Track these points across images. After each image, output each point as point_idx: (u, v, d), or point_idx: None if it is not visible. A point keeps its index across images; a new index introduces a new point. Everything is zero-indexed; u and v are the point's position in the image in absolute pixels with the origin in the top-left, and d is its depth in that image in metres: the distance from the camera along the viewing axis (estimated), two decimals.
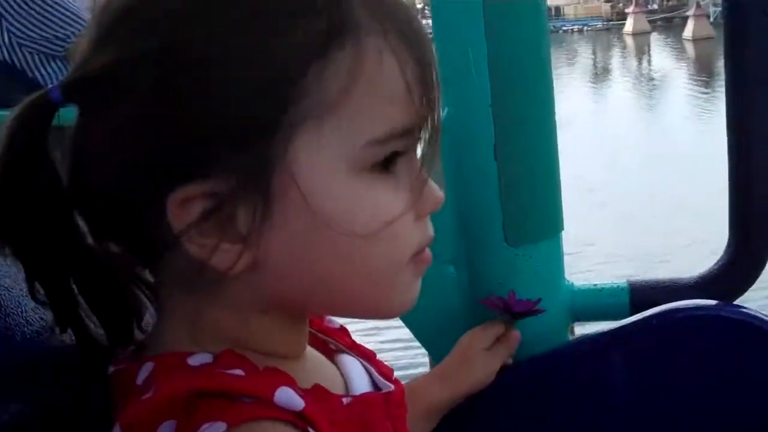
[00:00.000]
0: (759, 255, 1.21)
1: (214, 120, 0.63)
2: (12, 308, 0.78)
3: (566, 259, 1.25)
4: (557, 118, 1.20)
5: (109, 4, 0.68)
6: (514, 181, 1.18)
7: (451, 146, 1.19)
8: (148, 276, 0.76)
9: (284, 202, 0.65)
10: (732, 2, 1.16)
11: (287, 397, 0.65)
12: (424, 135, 0.70)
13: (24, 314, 0.77)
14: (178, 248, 0.66)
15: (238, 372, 0.66)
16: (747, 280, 1.22)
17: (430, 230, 0.74)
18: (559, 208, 1.22)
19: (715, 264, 1.24)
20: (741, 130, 1.18)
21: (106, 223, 0.70)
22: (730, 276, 1.22)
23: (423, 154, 0.71)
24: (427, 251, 0.74)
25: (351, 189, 0.67)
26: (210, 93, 0.63)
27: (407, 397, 0.95)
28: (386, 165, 0.68)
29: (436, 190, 0.73)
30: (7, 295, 0.79)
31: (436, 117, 0.71)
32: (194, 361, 0.68)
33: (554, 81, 1.20)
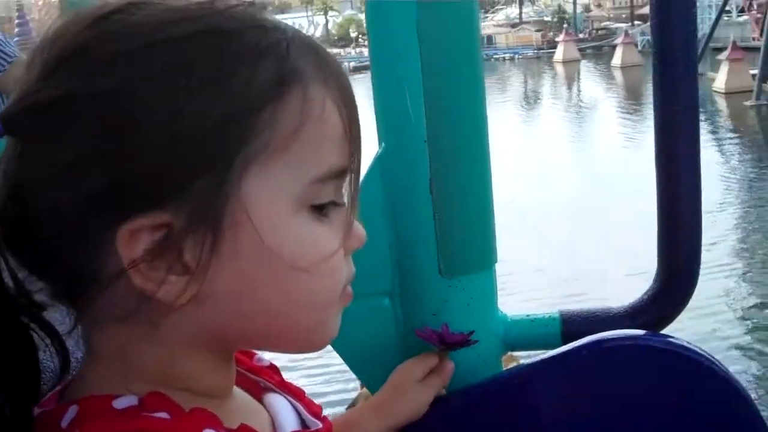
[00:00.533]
0: (687, 284, 1.24)
1: (167, 155, 0.64)
2: None
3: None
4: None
5: (57, 41, 0.68)
6: (448, 214, 1.19)
7: (387, 180, 1.20)
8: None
9: (234, 235, 0.67)
10: (660, 31, 1.18)
11: None
12: (350, 177, 0.75)
13: None
14: (116, 281, 0.66)
15: (164, 415, 0.66)
16: (675, 309, 1.25)
17: (353, 267, 0.78)
18: (493, 241, 1.23)
19: (645, 293, 1.26)
20: (668, 162, 1.21)
21: (36, 257, 0.69)
22: (659, 305, 1.24)
23: (349, 196, 0.75)
24: (349, 288, 0.78)
25: (297, 225, 0.70)
26: (163, 131, 0.64)
27: (342, 429, 0.96)
28: (321, 209, 0.71)
29: (360, 229, 0.77)
30: None
31: (359, 163, 0.76)
32: (119, 404, 0.67)
33: (487, 107, 1.22)
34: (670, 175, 1.21)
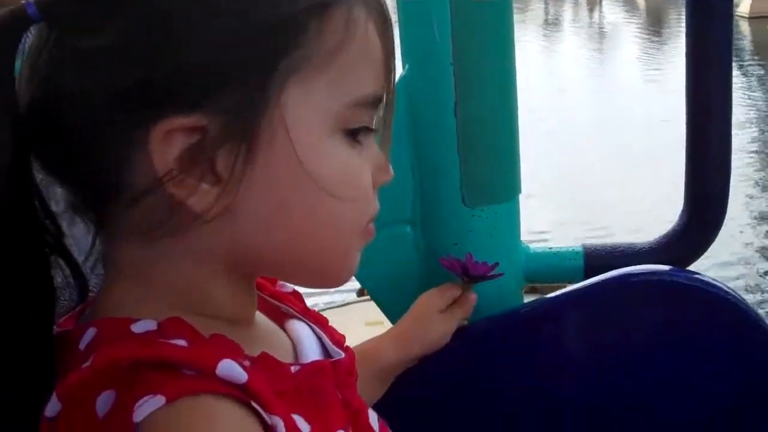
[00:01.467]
0: (714, 220, 1.22)
1: (209, 53, 0.62)
2: None
3: None
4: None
5: None
6: (473, 141, 1.17)
7: (411, 105, 1.17)
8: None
9: (269, 147, 0.65)
10: None
11: (230, 369, 0.63)
12: (383, 109, 0.72)
13: None
14: (141, 191, 0.64)
15: (181, 342, 0.64)
16: (702, 245, 1.23)
17: (377, 203, 0.75)
18: (517, 171, 1.21)
19: (671, 229, 1.24)
20: (699, 96, 1.18)
21: (61, 159, 0.67)
22: (685, 241, 1.23)
23: (381, 129, 0.73)
24: (372, 225, 0.75)
25: (331, 146, 0.68)
26: (208, 26, 0.62)
27: (360, 358, 0.95)
28: (354, 135, 0.69)
29: (389, 166, 0.75)
30: None
31: (393, 96, 0.73)
32: (138, 328, 0.65)
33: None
34: (699, 108, 1.18)
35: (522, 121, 1.20)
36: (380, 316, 1.27)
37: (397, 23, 1.16)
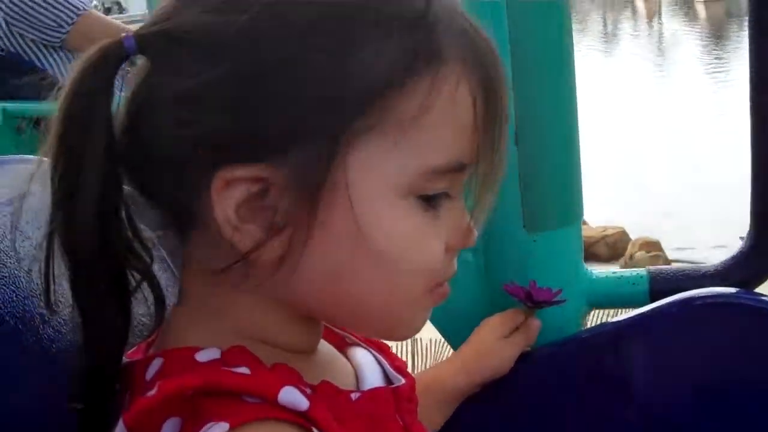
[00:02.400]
0: None
1: (285, 111, 0.63)
2: (33, 290, 0.78)
3: None
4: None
5: None
6: (534, 167, 1.16)
7: None
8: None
9: (331, 205, 0.65)
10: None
11: (291, 396, 0.65)
12: (482, 174, 0.71)
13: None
14: (211, 229, 0.66)
15: (244, 370, 0.66)
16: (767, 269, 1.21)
17: (455, 265, 0.75)
18: (580, 195, 1.21)
19: (736, 251, 1.22)
20: (763, 116, 1.16)
21: (151, 186, 0.70)
22: (750, 264, 1.21)
23: (478, 195, 0.72)
24: (446, 285, 0.75)
25: (398, 213, 0.67)
26: (288, 85, 0.63)
27: (423, 386, 0.96)
28: (430, 200, 0.68)
29: (473, 230, 0.74)
30: (26, 278, 0.78)
31: (498, 161, 0.71)
32: (202, 357, 0.67)
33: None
34: (764, 126, 1.16)
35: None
36: None
37: None
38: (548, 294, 1.14)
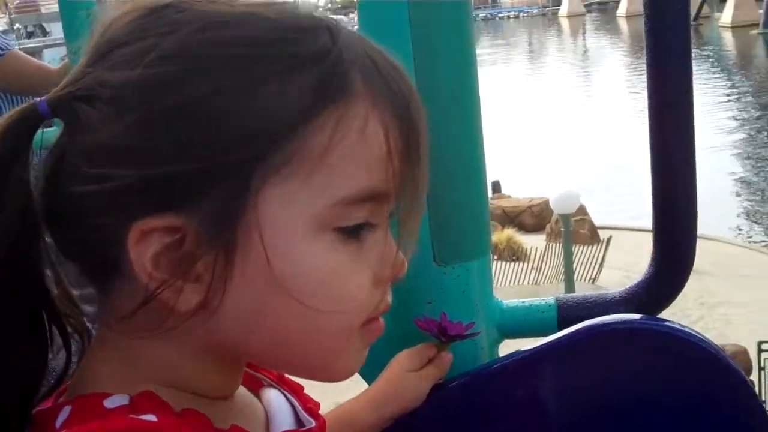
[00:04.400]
0: (683, 269, 1.23)
1: (192, 156, 0.64)
2: None
3: None
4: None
5: (106, 32, 0.69)
6: (442, 202, 1.18)
7: None
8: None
9: (246, 251, 0.66)
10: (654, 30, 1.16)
11: None
12: (404, 205, 0.71)
13: None
14: (128, 279, 0.67)
15: (150, 417, 0.66)
16: (672, 293, 1.24)
17: (389, 299, 0.75)
18: (487, 228, 1.23)
19: (641, 278, 1.26)
20: (663, 146, 1.19)
21: (72, 240, 0.70)
22: (653, 290, 1.24)
23: (401, 226, 0.72)
24: (380, 320, 0.75)
25: (314, 247, 0.67)
26: (192, 130, 0.64)
27: (335, 421, 0.97)
28: (351, 232, 0.69)
29: (401, 259, 0.74)
30: None
31: (418, 189, 0.72)
32: (110, 403, 0.68)
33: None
34: (664, 161, 1.20)
35: None
36: None
37: None
38: (460, 328, 1.15)
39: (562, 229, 14.08)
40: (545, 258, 17.19)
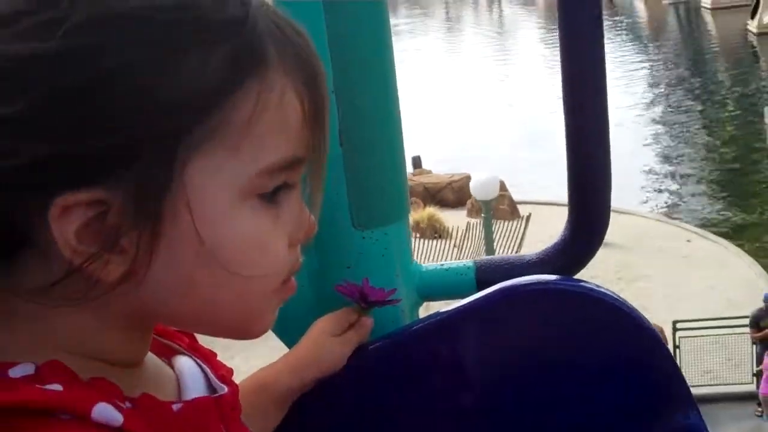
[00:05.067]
0: (597, 231, 1.26)
1: (110, 130, 0.62)
2: None
3: None
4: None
5: None
6: (359, 167, 1.19)
7: None
8: None
9: (173, 223, 0.66)
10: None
11: (105, 412, 0.65)
12: (310, 168, 0.73)
13: None
14: (45, 248, 0.65)
15: (56, 387, 0.65)
16: (587, 255, 1.27)
17: (300, 259, 0.77)
18: (405, 192, 1.24)
19: (557, 240, 1.28)
20: (577, 114, 1.21)
21: None
22: (569, 252, 1.26)
23: (309, 187, 0.75)
24: (293, 280, 0.77)
25: (240, 219, 0.68)
26: (109, 103, 0.62)
27: (255, 386, 0.97)
28: (270, 196, 0.70)
29: (312, 220, 0.76)
30: None
31: (324, 152, 0.74)
32: (15, 372, 0.66)
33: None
34: (578, 125, 1.22)
35: None
36: None
37: None
38: (382, 294, 1.16)
39: (483, 216, 14.43)
40: (467, 235, 17.45)
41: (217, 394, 0.80)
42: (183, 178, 0.65)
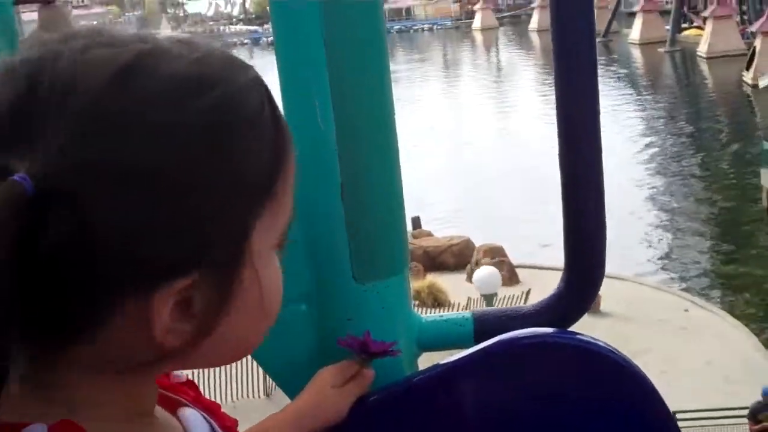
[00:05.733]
0: (592, 284, 1.28)
1: (199, 226, 0.67)
2: None
3: None
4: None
5: (79, 89, 0.65)
6: (360, 220, 1.22)
7: (300, 187, 1.21)
8: None
9: (243, 289, 0.72)
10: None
11: None
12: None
13: None
14: (115, 329, 0.68)
15: None
16: (582, 307, 1.30)
17: None
18: (405, 246, 1.26)
19: (554, 292, 1.30)
20: (573, 170, 1.24)
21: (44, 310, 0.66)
22: (564, 304, 1.29)
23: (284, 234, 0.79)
24: None
25: (272, 267, 0.76)
26: (195, 204, 0.67)
27: None
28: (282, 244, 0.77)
29: None
30: None
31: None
32: None
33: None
34: (574, 180, 1.25)
35: None
36: None
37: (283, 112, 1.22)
38: (383, 346, 1.19)
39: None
40: (468, 307, 17.45)
41: None
42: (251, 245, 0.71)
